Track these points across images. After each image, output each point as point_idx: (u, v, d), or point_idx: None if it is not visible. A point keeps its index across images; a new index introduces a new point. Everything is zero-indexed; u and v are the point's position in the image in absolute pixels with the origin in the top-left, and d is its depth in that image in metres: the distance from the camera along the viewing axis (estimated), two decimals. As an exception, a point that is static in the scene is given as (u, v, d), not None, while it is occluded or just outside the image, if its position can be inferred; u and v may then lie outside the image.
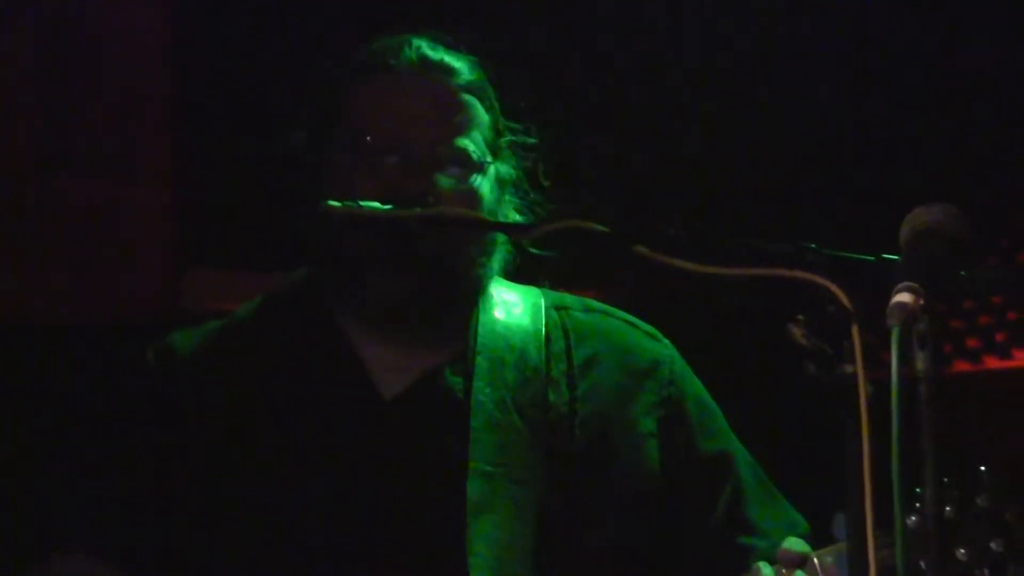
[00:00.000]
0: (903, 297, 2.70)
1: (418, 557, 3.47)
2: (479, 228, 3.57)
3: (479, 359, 3.59)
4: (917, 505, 2.76)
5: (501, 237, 3.63)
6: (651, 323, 3.75)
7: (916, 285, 2.70)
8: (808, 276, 3.16)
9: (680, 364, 3.64)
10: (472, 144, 3.56)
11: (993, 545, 2.96)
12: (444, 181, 3.52)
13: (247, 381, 3.64)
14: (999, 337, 5.63)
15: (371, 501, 3.52)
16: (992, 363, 5.58)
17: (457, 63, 3.61)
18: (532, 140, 3.68)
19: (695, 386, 3.62)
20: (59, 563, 3.61)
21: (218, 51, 5.11)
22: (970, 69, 5.38)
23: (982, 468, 3.00)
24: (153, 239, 5.04)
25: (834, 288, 3.10)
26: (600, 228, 3.34)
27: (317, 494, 3.51)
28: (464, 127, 3.58)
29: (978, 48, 5.42)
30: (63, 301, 5.05)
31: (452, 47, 3.64)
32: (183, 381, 3.65)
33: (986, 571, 2.86)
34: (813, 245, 3.22)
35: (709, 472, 3.60)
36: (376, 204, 3.42)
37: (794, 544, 3.32)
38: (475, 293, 3.63)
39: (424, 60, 3.60)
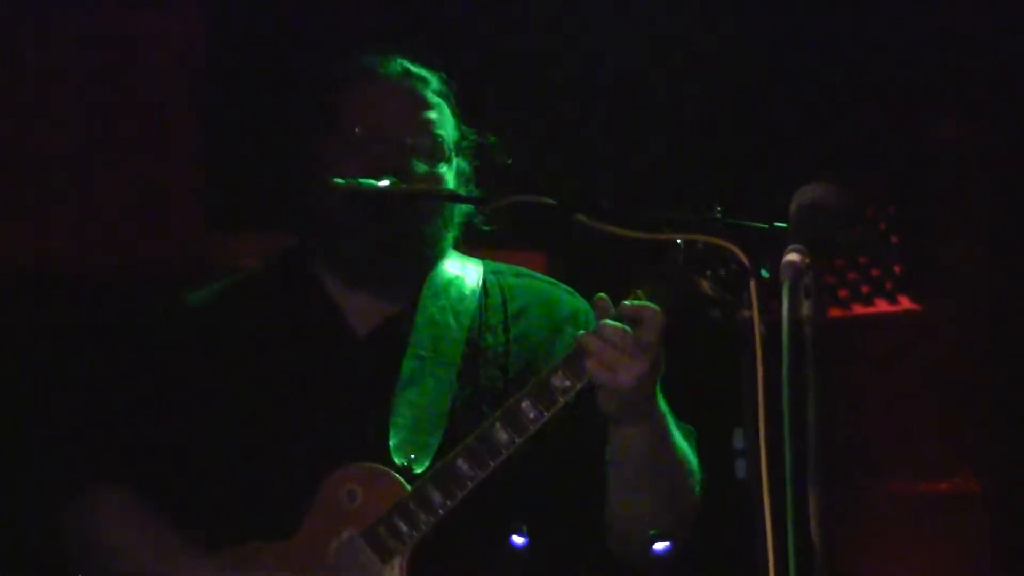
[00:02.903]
0: (792, 256, 2.69)
1: (356, 426, 3.47)
2: (447, 200, 3.54)
3: (426, 299, 3.58)
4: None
5: (457, 216, 3.61)
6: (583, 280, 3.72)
7: (802, 247, 2.69)
8: (716, 240, 3.20)
9: (592, 315, 3.54)
10: (440, 138, 3.56)
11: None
12: (418, 166, 3.50)
13: (246, 326, 3.61)
14: (864, 289, 5.63)
15: (346, 408, 3.50)
16: (859, 309, 5.60)
17: (430, 76, 3.60)
18: (492, 139, 3.64)
19: None
20: (93, 493, 3.55)
21: (240, 57, 5.05)
22: (848, 63, 5.35)
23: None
24: (184, 207, 4.98)
25: (736, 249, 3.15)
26: (548, 200, 3.34)
27: (305, 406, 3.50)
28: (434, 124, 3.56)
29: (857, 43, 5.38)
30: (110, 257, 4.98)
31: (426, 64, 3.63)
32: (195, 331, 3.61)
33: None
34: (719, 215, 3.22)
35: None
36: (371, 181, 3.41)
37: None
38: (434, 256, 3.61)
39: (405, 71, 3.59)
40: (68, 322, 4.77)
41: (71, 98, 5.00)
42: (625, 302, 3.23)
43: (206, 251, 4.93)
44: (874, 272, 5.61)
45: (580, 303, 3.54)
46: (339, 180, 3.43)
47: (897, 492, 5.52)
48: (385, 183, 3.43)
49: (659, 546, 3.64)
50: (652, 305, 3.21)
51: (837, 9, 5.27)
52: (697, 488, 3.51)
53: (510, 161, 3.65)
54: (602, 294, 3.25)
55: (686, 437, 3.51)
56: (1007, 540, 5.50)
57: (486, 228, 3.63)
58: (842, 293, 5.70)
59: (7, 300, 4.84)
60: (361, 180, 3.43)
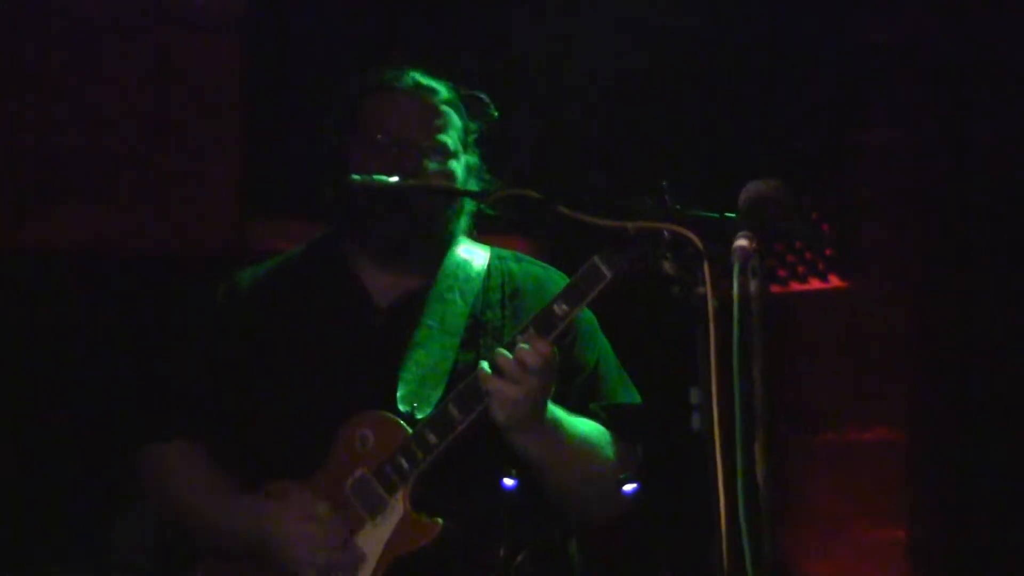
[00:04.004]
0: (742, 242, 2.77)
1: (372, 381, 3.59)
2: (451, 194, 3.65)
3: (439, 278, 3.68)
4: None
5: (468, 206, 3.70)
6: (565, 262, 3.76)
7: (751, 233, 2.77)
8: (676, 227, 3.20)
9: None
10: (448, 140, 3.64)
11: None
12: (430, 164, 3.60)
13: (286, 300, 3.71)
14: (800, 269, 5.71)
15: (365, 367, 3.62)
16: (795, 286, 5.70)
17: (439, 86, 3.69)
18: (495, 114, 3.73)
19: (587, 312, 3.61)
20: (165, 444, 3.69)
21: (274, 69, 5.09)
22: (789, 74, 5.45)
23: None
24: (224, 197, 5.01)
25: (692, 236, 3.15)
26: (533, 193, 3.37)
27: (330, 365, 3.62)
28: (443, 128, 3.65)
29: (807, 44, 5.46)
30: (160, 241, 5.02)
31: (436, 75, 3.72)
32: (245, 308, 3.72)
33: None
34: (679, 206, 3.24)
35: (581, 370, 3.66)
36: (384, 177, 3.53)
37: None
38: (447, 241, 3.70)
39: (417, 83, 3.68)
40: (124, 299, 4.79)
41: (127, 100, 5.01)
42: (521, 345, 3.34)
43: (244, 237, 4.97)
44: (808, 255, 5.68)
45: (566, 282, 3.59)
46: (356, 177, 3.53)
47: (826, 441, 5.60)
48: (395, 179, 3.53)
49: (627, 488, 3.68)
50: (533, 347, 3.33)
51: (777, 35, 5.36)
52: (608, 468, 3.58)
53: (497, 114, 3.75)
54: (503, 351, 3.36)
55: (606, 424, 3.61)
56: (922, 483, 5.57)
57: (491, 212, 3.66)
58: (781, 273, 5.75)
59: (75, 279, 4.86)
60: (375, 176, 3.53)
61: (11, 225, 4.97)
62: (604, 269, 3.39)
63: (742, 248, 2.76)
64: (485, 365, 3.39)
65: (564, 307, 3.40)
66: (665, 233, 3.25)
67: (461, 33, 5.01)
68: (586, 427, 3.58)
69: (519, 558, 3.60)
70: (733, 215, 2.87)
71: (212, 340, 3.72)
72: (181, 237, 4.99)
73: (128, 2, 5.01)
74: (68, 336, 4.82)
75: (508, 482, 3.59)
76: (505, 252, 3.82)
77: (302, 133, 4.09)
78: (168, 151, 5.02)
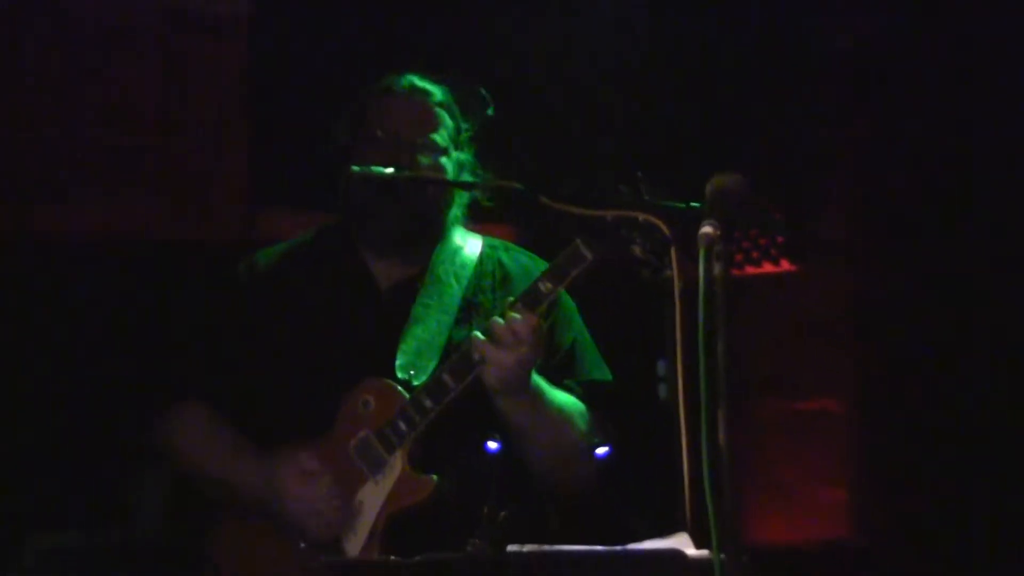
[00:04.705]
0: (707, 229, 2.80)
1: (374, 353, 3.68)
2: (440, 185, 3.73)
3: (436, 263, 3.76)
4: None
5: (462, 198, 3.77)
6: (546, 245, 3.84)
7: (715, 222, 2.80)
8: (647, 216, 3.37)
9: None
10: (439, 138, 3.74)
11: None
12: (423, 160, 3.70)
13: (298, 280, 3.79)
14: (755, 254, 5.79)
15: (368, 340, 3.71)
16: (750, 270, 5.78)
17: (434, 88, 3.78)
18: (491, 111, 3.82)
19: (567, 296, 3.74)
20: (181, 407, 3.76)
21: (277, 69, 5.12)
22: (750, 79, 5.49)
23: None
24: (233, 189, 5.07)
25: (661, 223, 3.33)
26: (517, 185, 3.58)
27: (336, 338, 3.70)
28: (435, 127, 3.74)
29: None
30: (171, 228, 5.08)
31: (432, 79, 3.81)
32: (262, 285, 3.80)
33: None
34: (649, 197, 3.39)
35: (560, 349, 3.75)
36: (381, 168, 3.64)
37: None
38: (442, 230, 3.78)
39: (413, 86, 3.78)
40: (140, 281, 4.83)
41: (137, 97, 5.04)
42: (513, 315, 3.43)
43: (251, 227, 5.02)
44: (762, 241, 5.76)
45: None
46: (356, 168, 3.63)
47: (776, 410, 5.73)
48: (390, 170, 3.62)
49: (600, 451, 3.78)
50: (524, 318, 3.42)
51: (744, 42, 5.43)
52: (582, 435, 3.64)
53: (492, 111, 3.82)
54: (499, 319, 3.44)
55: (581, 398, 3.69)
56: (862, 449, 5.66)
57: (487, 203, 3.78)
58: (738, 257, 5.82)
59: (91, 264, 4.91)
60: (373, 168, 3.63)
61: (25, 213, 5.00)
62: (585, 252, 3.48)
63: (708, 235, 2.79)
64: (478, 333, 3.48)
65: (549, 285, 3.50)
66: (640, 220, 3.38)
67: (452, 33, 5.06)
68: (564, 398, 3.65)
69: (501, 515, 3.56)
70: (698, 205, 2.91)
71: (230, 311, 3.78)
72: (191, 227, 5.03)
73: (138, 7, 5.04)
74: (88, 316, 4.86)
75: (492, 445, 3.65)
76: (496, 242, 3.90)
77: (305, 130, 4.14)
78: (176, 146, 5.05)
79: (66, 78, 4.98)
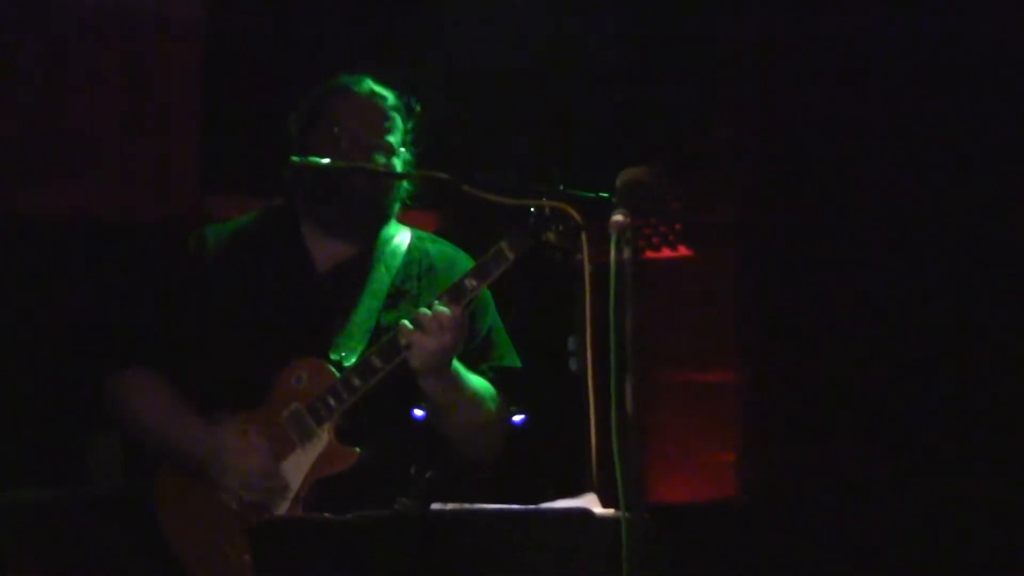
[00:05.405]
0: (618, 217, 2.85)
1: (308, 332, 3.70)
2: (383, 177, 3.75)
3: (378, 255, 3.79)
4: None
5: (400, 193, 3.79)
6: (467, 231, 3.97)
7: (626, 210, 2.86)
8: (560, 204, 3.44)
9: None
10: (393, 140, 3.76)
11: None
12: (379, 159, 3.72)
13: (242, 257, 3.78)
14: (655, 240, 5.80)
15: (303, 320, 3.72)
16: (651, 255, 5.79)
17: (388, 93, 3.79)
18: (418, 107, 3.85)
19: (484, 288, 3.73)
20: (128, 372, 3.75)
21: (230, 69, 5.08)
22: (656, 79, 5.47)
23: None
24: (186, 175, 5.06)
25: (573, 212, 3.39)
26: (443, 175, 3.59)
27: (275, 316, 3.70)
28: (390, 129, 3.77)
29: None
30: (131, 211, 5.05)
31: (386, 84, 3.82)
32: (208, 259, 3.78)
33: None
34: (562, 186, 3.46)
35: (476, 336, 3.79)
36: (318, 159, 3.64)
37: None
38: (381, 220, 3.81)
39: (371, 90, 3.79)
40: (99, 257, 4.82)
41: (100, 93, 5.02)
42: (439, 307, 3.47)
43: (202, 210, 5.00)
44: (663, 228, 5.79)
45: (472, 262, 3.74)
46: (295, 158, 3.66)
47: (673, 381, 5.75)
48: (326, 161, 3.63)
49: (516, 418, 3.89)
50: (449, 311, 3.48)
51: (647, 41, 5.43)
52: (491, 414, 3.70)
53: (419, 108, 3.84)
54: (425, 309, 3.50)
55: (492, 382, 3.75)
56: (749, 415, 5.70)
57: (409, 203, 3.84)
58: (641, 243, 5.78)
59: (57, 243, 4.90)
60: (310, 159, 3.65)
61: (4, 197, 5.00)
62: (508, 253, 3.55)
63: (619, 222, 2.83)
64: (406, 322, 3.54)
65: (473, 282, 3.57)
66: (548, 208, 3.45)
67: (391, 34, 5.04)
68: (478, 382, 3.70)
69: (427, 474, 3.74)
70: (607, 195, 2.94)
71: (178, 282, 3.75)
72: (148, 208, 5.03)
73: (101, 11, 5.03)
74: (51, 288, 4.84)
75: (418, 412, 3.75)
76: (423, 233, 3.93)
77: (255, 123, 4.17)
78: (136, 137, 5.05)
79: (35, 76, 5.00)
